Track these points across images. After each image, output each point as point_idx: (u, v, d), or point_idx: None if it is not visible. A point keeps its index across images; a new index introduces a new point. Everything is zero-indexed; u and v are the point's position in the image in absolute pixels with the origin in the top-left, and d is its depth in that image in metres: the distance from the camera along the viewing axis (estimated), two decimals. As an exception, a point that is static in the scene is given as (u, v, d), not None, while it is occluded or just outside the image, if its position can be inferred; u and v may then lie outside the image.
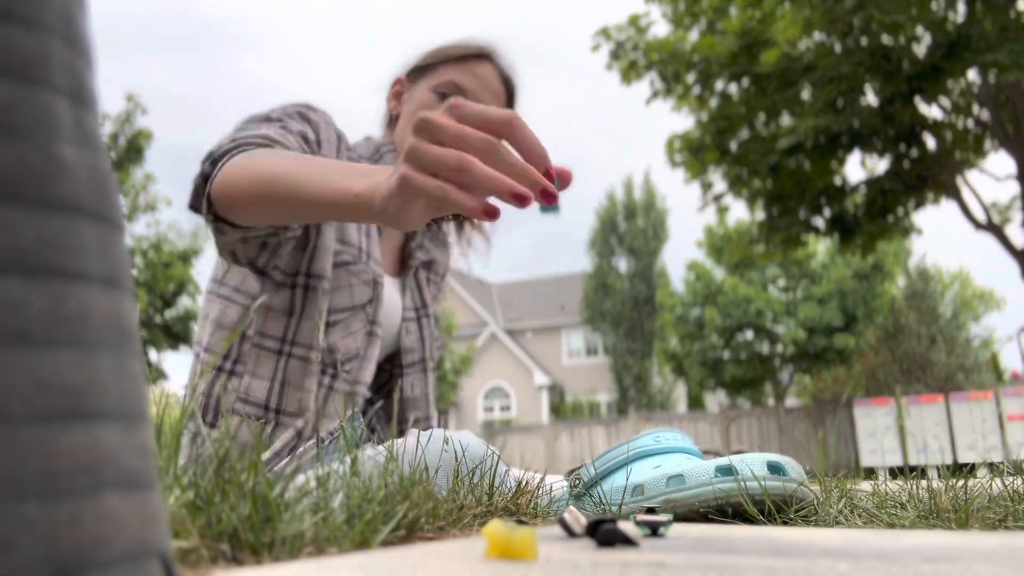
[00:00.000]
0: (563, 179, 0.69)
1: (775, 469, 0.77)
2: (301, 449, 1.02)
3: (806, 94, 8.59)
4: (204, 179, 0.93)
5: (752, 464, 0.76)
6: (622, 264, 24.00)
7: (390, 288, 1.24)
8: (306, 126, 1.09)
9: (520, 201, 0.60)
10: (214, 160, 0.91)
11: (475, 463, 0.77)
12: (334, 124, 1.17)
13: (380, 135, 1.33)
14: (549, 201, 0.62)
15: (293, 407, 1.06)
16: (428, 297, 1.31)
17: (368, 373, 1.16)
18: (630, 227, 23.99)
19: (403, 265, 1.31)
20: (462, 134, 0.62)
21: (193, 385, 1.06)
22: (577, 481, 0.86)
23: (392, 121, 1.31)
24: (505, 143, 0.63)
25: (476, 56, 1.23)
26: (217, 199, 0.90)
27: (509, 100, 1.28)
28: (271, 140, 0.95)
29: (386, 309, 1.21)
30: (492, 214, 0.63)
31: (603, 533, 0.52)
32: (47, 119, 0.26)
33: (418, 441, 0.80)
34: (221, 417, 1.03)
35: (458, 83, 1.20)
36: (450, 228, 1.39)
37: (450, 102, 0.63)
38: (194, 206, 0.96)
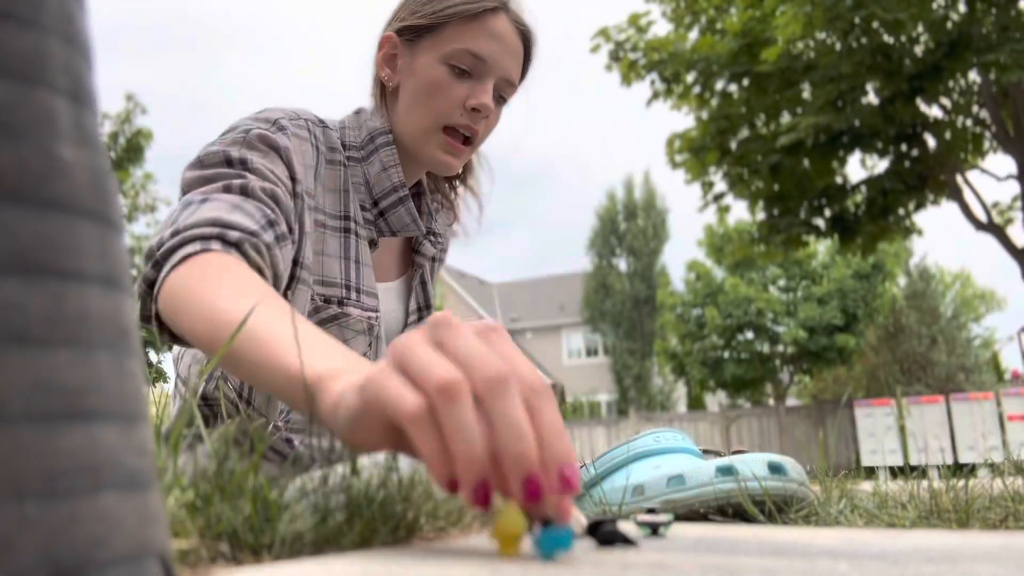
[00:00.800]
0: (566, 483, 0.45)
1: (775, 469, 0.77)
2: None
3: (806, 93, 8.59)
4: (149, 286, 0.79)
5: (752, 464, 0.76)
6: (622, 264, 24.01)
7: (391, 297, 1.14)
8: (273, 160, 0.92)
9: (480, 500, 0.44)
10: (156, 262, 0.78)
11: None
12: (309, 125, 1.02)
13: (371, 106, 1.13)
14: None
15: (262, 403, 1.00)
16: (431, 292, 1.20)
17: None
18: (630, 227, 24.00)
19: (411, 259, 1.18)
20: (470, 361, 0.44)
21: (193, 388, 1.03)
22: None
23: (385, 93, 1.10)
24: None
25: (489, 10, 1.03)
26: (164, 314, 0.76)
27: (527, 55, 1.10)
28: (222, 227, 0.78)
29: (386, 326, 1.11)
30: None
31: (603, 533, 0.52)
32: (46, 119, 0.26)
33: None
34: (215, 403, 0.99)
35: (475, 52, 1.01)
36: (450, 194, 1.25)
37: (440, 320, 0.48)
38: (144, 317, 0.80)
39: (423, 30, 1.04)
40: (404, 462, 0.59)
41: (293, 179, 0.95)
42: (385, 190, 1.07)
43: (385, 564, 0.42)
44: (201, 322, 0.69)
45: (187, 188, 0.87)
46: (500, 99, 1.08)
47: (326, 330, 0.91)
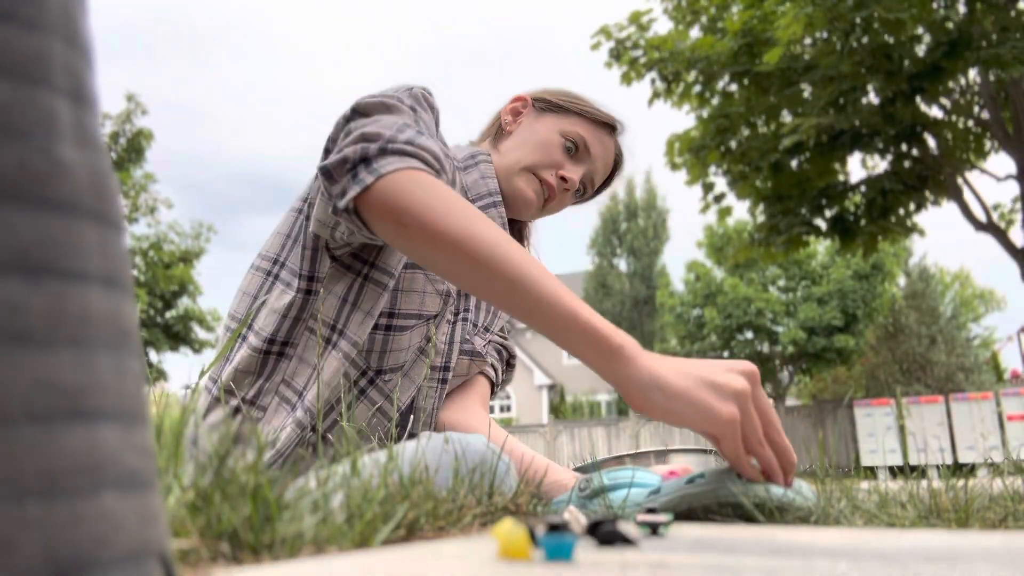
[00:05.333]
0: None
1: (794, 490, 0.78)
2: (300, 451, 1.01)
3: (807, 93, 8.59)
4: (363, 161, 0.85)
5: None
6: (622, 264, 24.01)
7: None
8: (429, 118, 1.02)
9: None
10: (383, 150, 0.85)
11: (476, 463, 0.77)
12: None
13: (478, 138, 1.32)
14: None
15: (314, 402, 1.02)
16: (477, 306, 1.26)
17: (407, 394, 1.12)
18: (631, 227, 24.00)
19: None
20: (768, 417, 0.75)
21: (215, 359, 1.01)
22: (585, 485, 0.86)
23: (499, 133, 1.28)
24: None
25: (608, 125, 1.25)
26: (379, 205, 0.84)
27: (611, 175, 1.31)
28: (439, 163, 0.90)
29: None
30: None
31: (603, 533, 0.52)
32: (47, 119, 0.26)
33: (418, 443, 0.80)
34: (265, 395, 1.03)
35: (588, 143, 1.22)
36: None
37: (755, 373, 0.76)
38: (331, 175, 0.87)
39: (556, 107, 1.24)
40: (406, 463, 0.59)
41: (441, 139, 1.08)
42: (481, 194, 1.19)
43: (385, 564, 0.42)
44: (462, 231, 0.79)
45: (367, 110, 0.95)
46: (578, 192, 1.27)
47: (410, 275, 1.09)
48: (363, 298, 1.05)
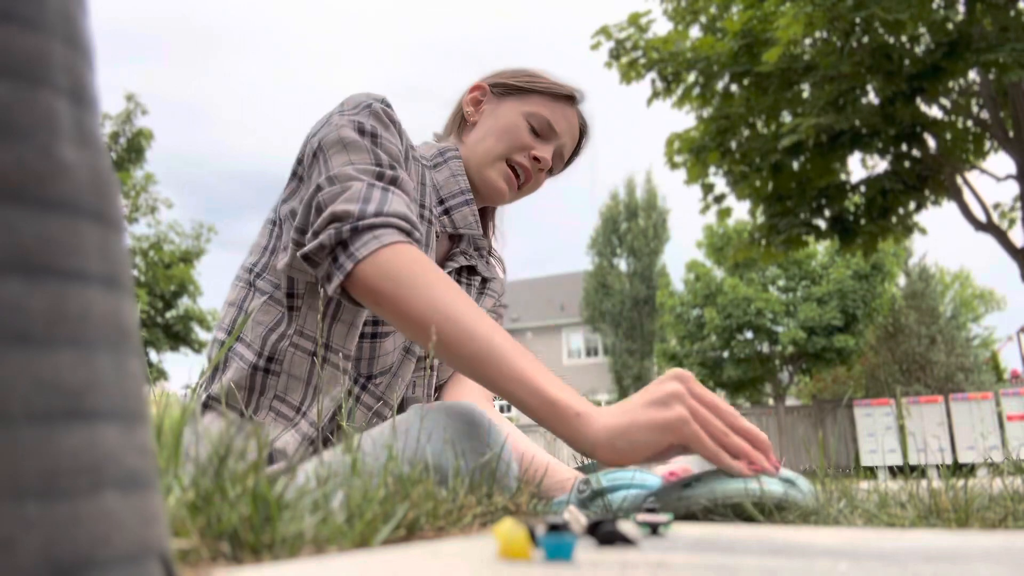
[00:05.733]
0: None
1: (788, 483, 0.78)
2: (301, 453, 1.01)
3: (807, 93, 8.59)
4: (339, 244, 0.92)
5: (768, 479, 0.76)
6: (622, 264, 24.01)
7: None
8: (392, 133, 1.06)
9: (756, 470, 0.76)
10: (355, 229, 0.91)
11: (466, 425, 0.81)
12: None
13: (443, 132, 1.31)
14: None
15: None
16: None
17: (397, 393, 1.14)
18: (631, 227, 23.99)
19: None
20: (717, 407, 0.78)
21: (197, 384, 1.04)
22: (585, 487, 0.86)
23: (463, 125, 1.28)
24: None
25: (568, 98, 1.25)
26: (359, 288, 0.91)
27: (578, 146, 1.32)
28: (410, 223, 0.95)
29: None
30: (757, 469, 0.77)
31: (603, 533, 0.52)
32: (47, 119, 0.26)
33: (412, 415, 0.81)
34: (259, 411, 1.05)
35: (551, 122, 1.22)
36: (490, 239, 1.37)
37: (686, 375, 0.80)
38: (312, 260, 0.94)
39: (514, 90, 1.24)
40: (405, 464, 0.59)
41: (407, 147, 1.12)
42: (453, 192, 1.20)
43: (385, 564, 0.42)
44: (442, 320, 0.85)
45: (328, 148, 1.00)
46: (548, 170, 1.27)
47: None
48: (343, 311, 1.08)
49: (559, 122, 1.23)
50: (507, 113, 1.22)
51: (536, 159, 1.21)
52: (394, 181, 1.00)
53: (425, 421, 0.82)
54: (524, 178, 1.23)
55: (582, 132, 1.31)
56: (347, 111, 1.05)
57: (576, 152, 1.33)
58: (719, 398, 0.80)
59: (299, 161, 1.07)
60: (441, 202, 1.19)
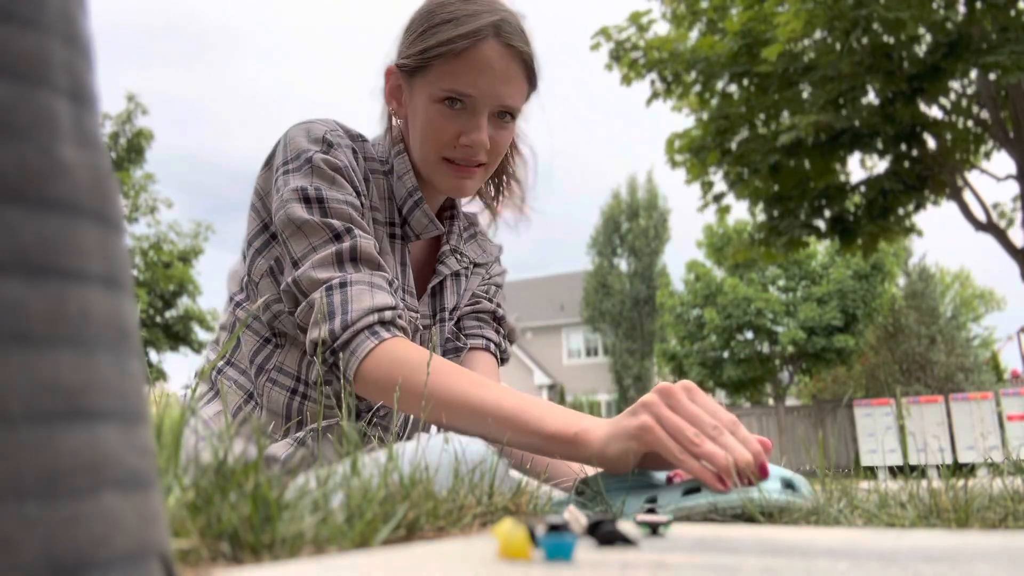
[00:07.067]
0: (763, 471, 0.79)
1: (789, 486, 0.78)
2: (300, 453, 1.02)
3: (806, 93, 8.58)
4: (334, 366, 0.97)
5: (769, 487, 0.76)
6: (623, 264, 24.00)
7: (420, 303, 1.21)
8: (340, 184, 1.04)
9: (723, 484, 0.75)
10: (333, 351, 0.96)
11: (475, 463, 0.78)
12: (345, 140, 1.08)
13: (381, 132, 1.19)
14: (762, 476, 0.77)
15: (298, 432, 1.08)
16: (449, 299, 1.22)
17: (397, 422, 1.14)
18: (632, 226, 23.98)
19: (429, 279, 1.23)
20: (696, 415, 0.78)
21: (194, 388, 1.06)
22: (584, 487, 0.86)
23: (391, 122, 1.17)
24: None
25: (476, 41, 1.02)
26: (368, 395, 0.96)
27: (529, 76, 1.09)
28: (377, 312, 0.97)
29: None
30: (723, 483, 0.75)
31: (603, 533, 0.52)
32: (47, 119, 0.26)
33: (418, 443, 0.80)
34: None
35: (460, 92, 1.03)
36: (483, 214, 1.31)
37: (688, 386, 0.81)
38: (313, 356, 0.99)
39: (417, 68, 1.07)
40: (406, 462, 0.59)
41: (359, 194, 1.06)
42: (402, 196, 1.14)
43: (385, 564, 0.42)
44: (451, 408, 0.90)
45: (284, 231, 1.02)
46: (505, 116, 1.09)
47: None
48: None
49: (472, 83, 1.03)
50: (420, 105, 1.07)
51: (467, 147, 1.06)
52: (353, 254, 1.00)
53: (431, 452, 0.82)
54: (470, 165, 1.08)
55: (523, 58, 1.06)
56: (291, 170, 1.03)
57: (532, 77, 1.10)
58: (716, 405, 0.80)
59: (259, 196, 1.09)
60: (399, 210, 1.15)
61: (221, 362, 1.14)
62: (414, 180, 1.13)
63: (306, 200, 1.01)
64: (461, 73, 1.03)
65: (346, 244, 1.00)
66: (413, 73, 1.08)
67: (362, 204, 1.07)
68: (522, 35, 1.08)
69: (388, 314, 0.98)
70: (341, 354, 0.96)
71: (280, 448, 1.03)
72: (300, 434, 1.06)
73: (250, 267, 1.11)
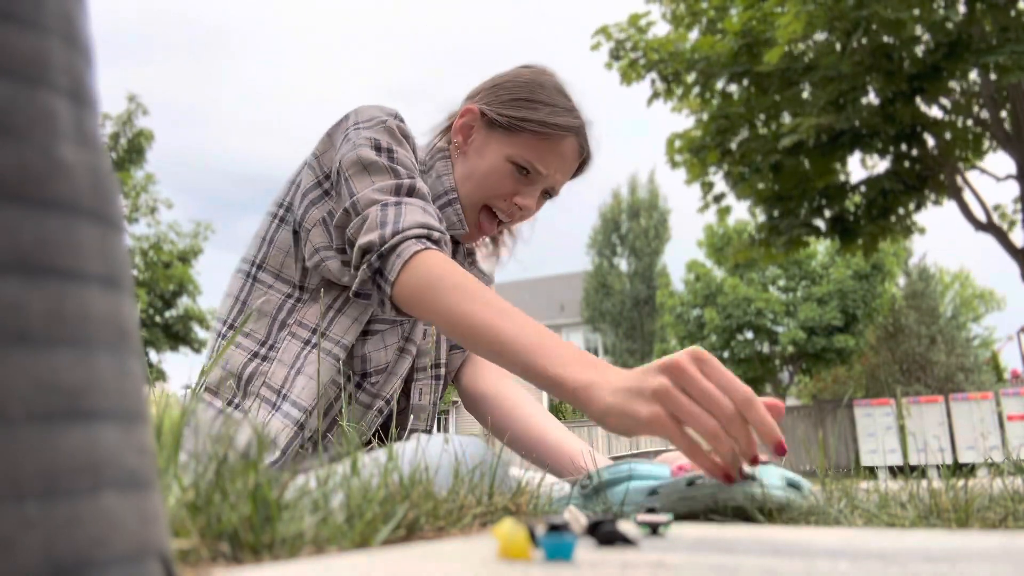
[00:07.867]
0: (779, 449, 0.75)
1: (793, 486, 0.77)
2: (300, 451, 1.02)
3: (807, 94, 8.58)
4: (376, 273, 1.00)
5: (771, 478, 0.76)
6: (623, 264, 24.00)
7: None
8: (406, 148, 1.12)
9: (727, 479, 0.73)
10: (381, 255, 0.99)
11: (475, 463, 0.78)
12: (407, 126, 1.17)
13: (432, 141, 1.27)
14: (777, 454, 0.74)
15: (301, 397, 1.07)
16: None
17: (391, 388, 1.17)
18: (632, 226, 23.98)
19: None
20: (712, 397, 0.72)
21: (209, 365, 1.07)
22: (587, 482, 0.86)
23: (448, 147, 1.24)
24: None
25: (563, 136, 1.18)
26: (405, 303, 0.98)
27: (578, 170, 1.26)
28: (427, 228, 1.01)
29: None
30: (729, 478, 0.74)
31: (603, 533, 0.52)
32: (47, 119, 0.26)
33: (418, 443, 0.80)
34: (247, 398, 1.09)
35: (540, 164, 1.17)
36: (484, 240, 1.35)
37: (699, 356, 0.74)
38: (380, 301, 1.02)
39: (504, 126, 1.18)
40: (406, 463, 0.59)
41: (419, 162, 1.16)
42: (438, 193, 1.20)
43: (385, 564, 0.42)
44: (468, 328, 0.91)
45: (349, 170, 1.07)
46: (547, 195, 1.24)
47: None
48: (348, 306, 1.13)
49: (549, 163, 1.18)
50: (491, 154, 1.18)
51: (519, 207, 1.19)
52: (411, 191, 1.05)
53: (431, 452, 0.81)
54: (506, 221, 1.21)
55: (583, 162, 1.25)
56: (363, 126, 1.10)
57: (579, 171, 1.27)
58: (727, 379, 0.73)
59: (316, 156, 1.13)
60: None
61: (223, 327, 1.16)
62: (453, 182, 1.20)
63: (377, 148, 1.08)
64: (544, 153, 1.17)
65: (406, 183, 1.06)
66: (494, 126, 1.19)
67: (421, 169, 1.15)
68: (593, 145, 1.26)
69: (436, 234, 1.02)
70: (388, 258, 0.98)
71: (277, 429, 1.04)
72: (287, 409, 1.07)
73: (303, 216, 1.14)
